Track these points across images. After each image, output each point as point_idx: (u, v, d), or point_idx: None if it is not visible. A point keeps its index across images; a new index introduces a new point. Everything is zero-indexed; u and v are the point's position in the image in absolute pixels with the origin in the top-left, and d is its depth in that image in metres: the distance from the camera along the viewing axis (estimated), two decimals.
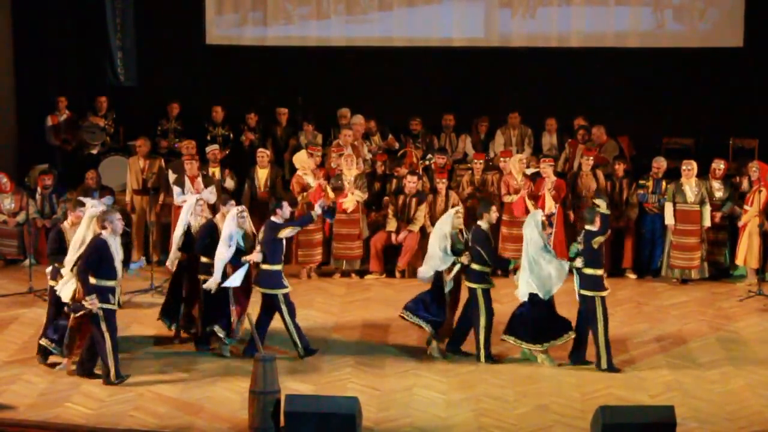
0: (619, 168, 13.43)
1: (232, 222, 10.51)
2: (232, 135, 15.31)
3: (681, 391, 9.79)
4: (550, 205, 12.90)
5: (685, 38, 16.04)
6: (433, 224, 12.64)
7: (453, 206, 12.82)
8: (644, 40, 16.06)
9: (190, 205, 11.01)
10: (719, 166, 13.09)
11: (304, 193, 13.02)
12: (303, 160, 13.34)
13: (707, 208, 12.80)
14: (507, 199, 13.10)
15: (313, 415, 8.72)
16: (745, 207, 12.87)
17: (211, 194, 12.82)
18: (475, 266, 10.39)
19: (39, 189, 13.74)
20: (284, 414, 8.76)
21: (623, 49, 16.05)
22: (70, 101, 15.50)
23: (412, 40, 16.34)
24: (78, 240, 9.96)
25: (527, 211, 12.86)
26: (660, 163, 13.38)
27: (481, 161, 13.77)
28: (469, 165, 14.37)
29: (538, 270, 10.18)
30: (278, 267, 10.44)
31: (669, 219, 12.79)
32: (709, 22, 16.02)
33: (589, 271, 10.19)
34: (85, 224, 10.01)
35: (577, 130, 14.88)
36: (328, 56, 16.37)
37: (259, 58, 16.40)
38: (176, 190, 12.92)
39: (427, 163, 14.23)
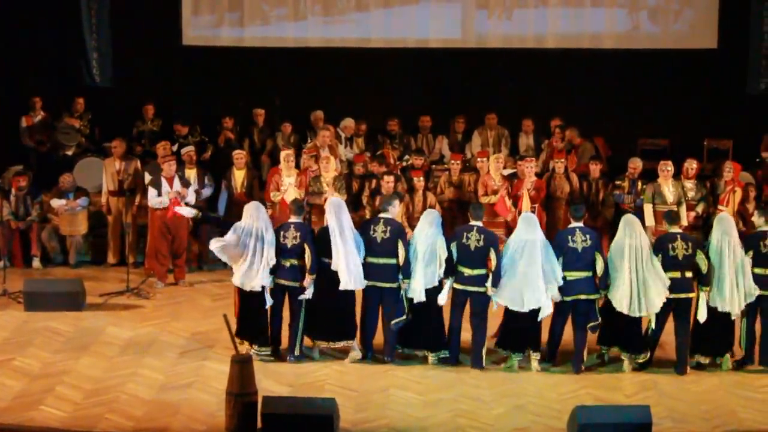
0: (595, 169, 13.48)
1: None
2: (199, 136, 15.22)
3: (656, 390, 9.84)
4: (528, 206, 12.92)
5: (660, 40, 16.14)
6: (410, 224, 12.65)
7: (430, 207, 12.85)
8: (620, 42, 16.14)
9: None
10: (692, 165, 13.15)
11: (277, 192, 12.97)
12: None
13: (683, 208, 12.85)
14: (485, 199, 13.11)
15: (290, 417, 8.71)
16: (720, 207, 12.93)
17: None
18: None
19: (13, 190, 13.62)
20: (261, 415, 8.75)
21: (599, 51, 16.13)
22: (45, 102, 15.40)
23: (389, 41, 16.35)
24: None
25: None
26: (636, 164, 13.43)
27: (458, 162, 13.78)
28: (446, 166, 14.39)
29: (744, 276, 10.13)
30: None
31: (649, 220, 12.78)
32: (683, 23, 16.12)
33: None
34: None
35: (553, 130, 14.93)
36: (305, 57, 16.35)
37: (236, 59, 16.36)
38: (152, 191, 12.86)
39: (404, 164, 14.24)
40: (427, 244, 10.30)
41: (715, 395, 9.78)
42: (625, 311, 10.05)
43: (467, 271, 10.25)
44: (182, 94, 16.02)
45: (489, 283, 10.20)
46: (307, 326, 10.44)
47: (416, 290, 10.25)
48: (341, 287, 10.20)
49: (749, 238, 10.38)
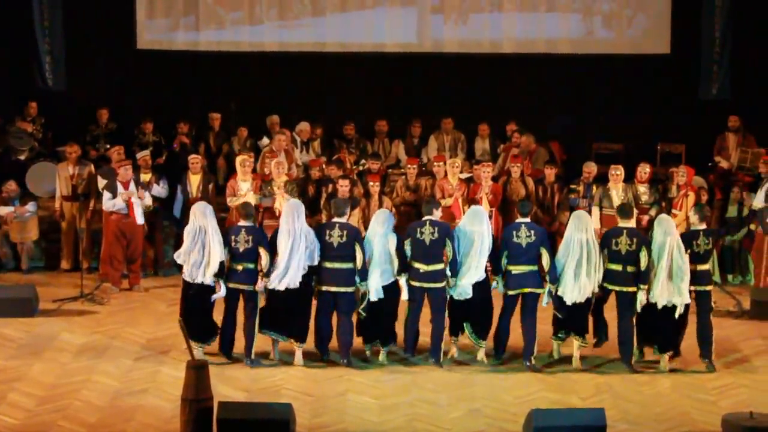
0: (550, 173, 13.58)
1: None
2: (163, 140, 15.18)
3: (611, 393, 9.93)
4: (487, 209, 12.96)
5: (613, 45, 16.29)
6: (366, 228, 12.66)
7: None
8: (574, 47, 16.27)
9: None
10: (645, 170, 13.30)
11: (233, 198, 12.94)
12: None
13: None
14: (442, 202, 13.14)
15: (246, 422, 8.68)
16: (674, 211, 13.09)
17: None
18: None
19: None
20: (217, 421, 8.70)
21: (554, 56, 16.24)
22: None
23: (345, 45, 16.35)
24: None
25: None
26: (590, 168, 13.56)
27: (415, 166, 13.82)
28: (402, 170, 14.42)
29: (684, 273, 10.26)
30: None
31: (595, 223, 12.92)
32: (637, 29, 16.28)
33: None
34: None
35: (510, 135, 15.00)
36: (260, 61, 16.32)
37: (191, 63, 16.29)
38: (106, 195, 12.78)
39: (360, 168, 14.25)
40: (381, 244, 10.39)
41: (668, 397, 9.89)
42: (568, 302, 10.31)
43: (423, 267, 10.33)
44: (137, 98, 15.91)
45: (448, 274, 10.33)
46: (260, 321, 10.48)
47: (372, 288, 10.35)
48: (269, 284, 10.28)
49: (684, 238, 10.57)
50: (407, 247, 10.40)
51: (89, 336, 11.19)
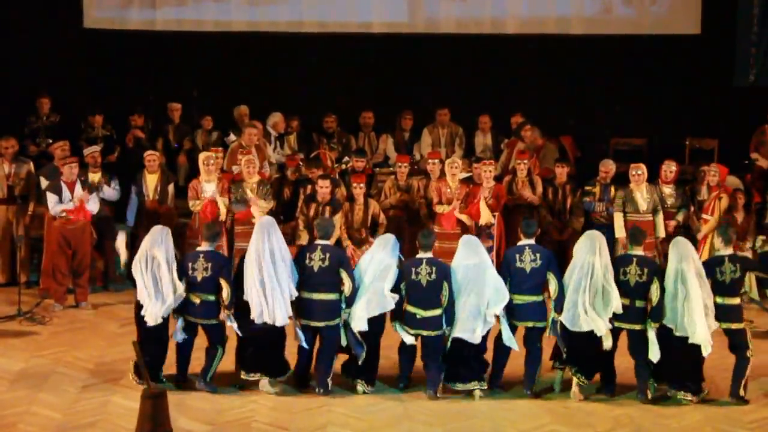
0: (562, 172, 13.58)
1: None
2: (115, 134, 15.18)
3: (632, 427, 9.89)
4: (487, 215, 12.96)
5: (635, 24, 16.35)
6: (349, 236, 12.66)
7: (373, 216, 12.86)
8: (589, 26, 16.32)
9: None
10: (670, 168, 13.30)
11: (196, 201, 12.92)
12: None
13: (660, 217, 12.99)
14: (439, 209, 13.15)
15: None
16: (704, 216, 13.09)
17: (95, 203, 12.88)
18: None
19: None
20: None
21: (566, 37, 16.29)
22: None
23: (325, 24, 16.39)
24: None
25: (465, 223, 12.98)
26: (608, 167, 13.55)
27: (406, 165, 13.81)
28: (391, 169, 14.44)
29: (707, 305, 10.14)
30: None
31: (619, 231, 12.92)
32: (662, 5, 16.34)
33: None
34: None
35: (517, 129, 15.00)
36: (228, 43, 16.35)
37: (147, 45, 16.31)
38: (52, 198, 12.73)
39: (343, 167, 14.25)
40: (378, 269, 10.27)
41: None
42: (569, 327, 10.19)
43: (420, 313, 10.23)
44: (84, 86, 15.91)
45: (444, 324, 10.25)
46: (243, 364, 10.44)
47: (356, 317, 10.24)
48: (253, 316, 10.10)
49: (706, 265, 10.37)
50: (401, 289, 10.28)
51: (28, 361, 11.14)
